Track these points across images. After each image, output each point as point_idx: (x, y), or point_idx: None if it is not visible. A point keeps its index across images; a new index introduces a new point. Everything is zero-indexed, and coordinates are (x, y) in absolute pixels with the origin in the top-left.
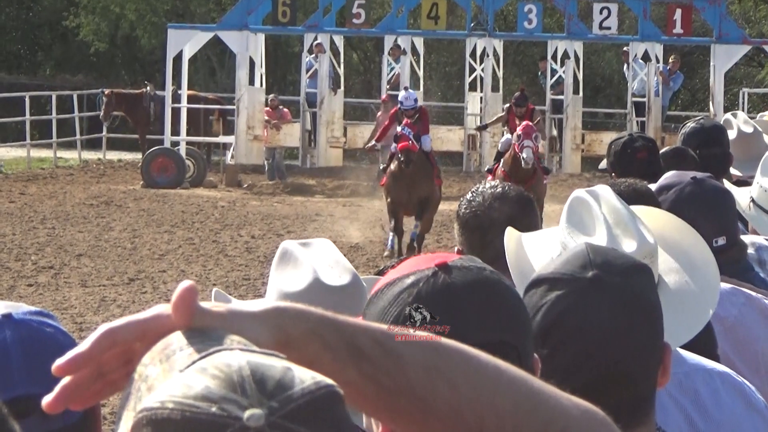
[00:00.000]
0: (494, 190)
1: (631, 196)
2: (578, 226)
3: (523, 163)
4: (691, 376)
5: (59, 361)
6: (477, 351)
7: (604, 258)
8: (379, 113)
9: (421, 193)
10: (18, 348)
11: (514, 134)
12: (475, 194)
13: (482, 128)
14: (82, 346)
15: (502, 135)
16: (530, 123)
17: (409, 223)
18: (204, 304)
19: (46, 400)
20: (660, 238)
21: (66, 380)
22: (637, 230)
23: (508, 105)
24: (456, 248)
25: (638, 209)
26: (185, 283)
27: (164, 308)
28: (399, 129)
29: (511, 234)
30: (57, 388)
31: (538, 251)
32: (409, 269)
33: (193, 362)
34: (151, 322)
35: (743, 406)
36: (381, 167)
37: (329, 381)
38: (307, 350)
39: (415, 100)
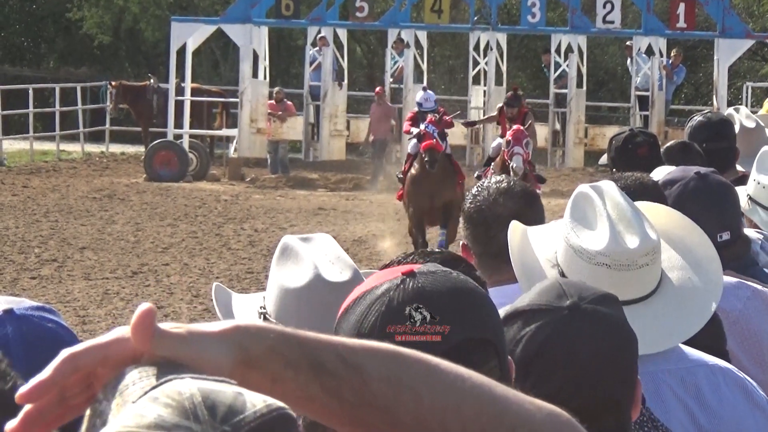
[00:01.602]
0: (499, 185)
1: (638, 190)
2: (582, 221)
3: (512, 172)
4: (693, 372)
5: (22, 390)
6: (438, 359)
7: (576, 288)
8: (373, 106)
9: (445, 197)
10: (19, 343)
11: (504, 140)
12: (480, 189)
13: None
14: (44, 373)
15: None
16: (521, 128)
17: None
18: (163, 326)
19: (10, 426)
20: (663, 234)
21: (29, 407)
22: (641, 227)
23: (500, 105)
24: (461, 242)
25: (642, 205)
26: (143, 306)
27: (124, 331)
28: (422, 127)
29: (515, 227)
30: (21, 415)
31: (541, 245)
32: (376, 281)
33: (145, 393)
34: (111, 346)
35: (745, 402)
36: (398, 175)
37: (281, 404)
38: (268, 368)
39: (435, 101)
